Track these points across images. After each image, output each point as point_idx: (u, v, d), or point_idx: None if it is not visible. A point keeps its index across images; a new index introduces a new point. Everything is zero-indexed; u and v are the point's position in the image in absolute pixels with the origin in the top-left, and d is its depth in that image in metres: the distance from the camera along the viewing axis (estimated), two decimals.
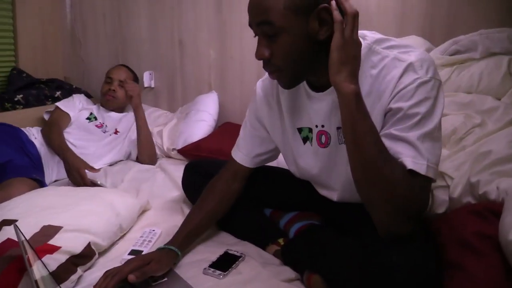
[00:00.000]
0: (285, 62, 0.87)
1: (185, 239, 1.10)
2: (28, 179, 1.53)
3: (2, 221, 1.08)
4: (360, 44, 0.82)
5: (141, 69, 2.62)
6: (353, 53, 0.80)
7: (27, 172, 1.59)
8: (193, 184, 1.37)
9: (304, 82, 1.00)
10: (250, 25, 0.89)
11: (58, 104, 2.11)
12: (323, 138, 1.00)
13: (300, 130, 1.05)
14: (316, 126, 1.01)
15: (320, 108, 0.97)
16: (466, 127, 1.38)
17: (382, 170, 0.78)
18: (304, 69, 0.90)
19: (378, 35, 0.93)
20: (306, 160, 1.06)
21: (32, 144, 1.86)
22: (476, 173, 1.10)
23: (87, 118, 2.12)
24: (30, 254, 0.84)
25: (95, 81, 2.75)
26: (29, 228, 1.03)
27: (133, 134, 2.06)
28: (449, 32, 1.88)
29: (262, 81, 1.15)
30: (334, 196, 1.08)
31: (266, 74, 1.11)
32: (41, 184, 1.61)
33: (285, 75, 0.90)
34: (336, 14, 0.80)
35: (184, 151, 1.97)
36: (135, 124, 2.04)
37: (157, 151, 2.09)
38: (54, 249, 0.99)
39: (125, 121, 2.17)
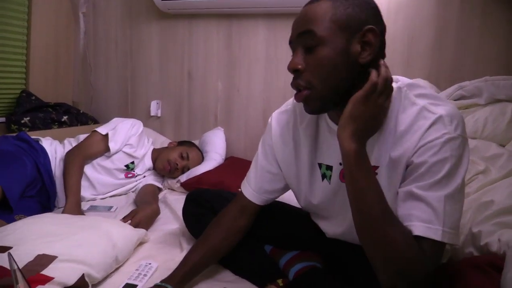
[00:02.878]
0: (318, 77, 0.82)
1: (184, 277, 1.06)
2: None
3: None
4: (381, 112, 0.81)
5: (149, 97, 2.67)
6: (368, 114, 0.78)
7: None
8: (194, 214, 1.33)
9: (327, 117, 0.96)
10: (291, 40, 0.87)
11: (100, 130, 1.90)
12: None
13: (320, 165, 1.01)
14: (340, 164, 0.95)
15: None
16: (470, 173, 1.37)
17: (385, 233, 0.75)
18: (335, 92, 0.83)
19: (410, 81, 0.90)
20: (320, 197, 1.03)
21: (46, 166, 1.74)
22: (478, 223, 1.09)
23: (125, 166, 1.96)
24: (22, 284, 0.82)
25: (102, 107, 2.80)
26: (23, 256, 1.01)
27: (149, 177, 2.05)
28: (455, 77, 1.91)
29: (278, 114, 1.09)
30: (338, 231, 1.05)
31: (283, 106, 1.10)
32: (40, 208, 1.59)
33: (315, 94, 0.83)
34: (374, 75, 0.79)
35: (187, 184, 1.96)
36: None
37: (160, 185, 2.07)
38: (47, 279, 0.96)
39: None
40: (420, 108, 0.82)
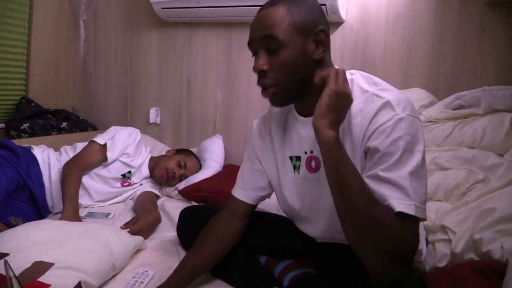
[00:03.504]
0: (283, 76, 0.90)
1: (177, 285, 1.06)
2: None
3: None
4: (351, 98, 0.84)
5: (148, 105, 2.67)
6: (342, 103, 0.82)
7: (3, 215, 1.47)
8: (187, 231, 1.34)
9: (293, 108, 1.03)
10: (251, 42, 0.94)
11: (98, 140, 1.89)
12: (313, 163, 1.01)
13: (291, 158, 1.06)
14: (305, 153, 1.02)
15: (309, 134, 0.98)
16: (469, 182, 1.38)
17: (370, 215, 0.76)
18: (298, 86, 0.92)
19: (365, 74, 0.97)
20: (293, 189, 1.07)
21: (30, 173, 1.73)
22: (480, 230, 1.09)
23: (122, 175, 1.95)
24: None
25: (102, 114, 2.80)
26: (20, 263, 1.01)
27: (146, 185, 2.05)
28: (453, 86, 1.92)
29: (258, 119, 1.19)
30: (318, 232, 1.07)
31: (262, 114, 1.18)
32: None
33: (281, 90, 0.92)
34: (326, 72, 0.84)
35: (185, 192, 1.95)
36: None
37: (158, 192, 2.07)
38: (43, 286, 0.96)
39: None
40: (369, 94, 0.89)
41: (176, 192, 2.00)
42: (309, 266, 1.20)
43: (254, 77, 0.94)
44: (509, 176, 1.30)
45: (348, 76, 0.93)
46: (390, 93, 0.87)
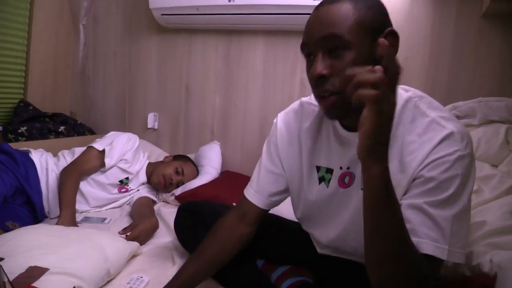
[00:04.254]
0: (346, 82, 0.73)
1: None
2: None
3: None
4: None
5: (146, 110, 2.68)
6: (389, 133, 0.66)
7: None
8: (185, 227, 1.31)
9: (336, 121, 0.94)
10: (307, 43, 0.82)
11: (96, 146, 1.88)
12: (347, 179, 0.94)
13: (318, 168, 0.99)
14: (341, 168, 0.94)
15: (349, 150, 0.91)
16: None
17: (401, 258, 0.70)
18: None
19: (421, 92, 0.87)
20: (315, 199, 1.00)
21: (28, 178, 1.73)
22: (470, 243, 1.09)
23: (119, 181, 1.96)
24: None
25: (100, 118, 2.81)
26: (15, 268, 1.01)
27: (143, 191, 2.05)
28: (449, 97, 1.93)
29: (284, 114, 1.08)
30: (325, 238, 1.02)
31: (288, 108, 1.08)
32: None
33: (342, 99, 0.77)
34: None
35: (182, 197, 1.96)
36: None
37: (155, 197, 2.06)
38: None
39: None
40: (430, 120, 0.80)
41: (173, 197, 2.00)
42: (307, 274, 1.20)
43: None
44: (502, 187, 1.31)
45: (403, 93, 0.85)
46: (454, 124, 0.79)
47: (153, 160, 2.24)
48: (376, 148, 0.64)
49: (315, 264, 1.18)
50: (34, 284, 0.98)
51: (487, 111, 1.60)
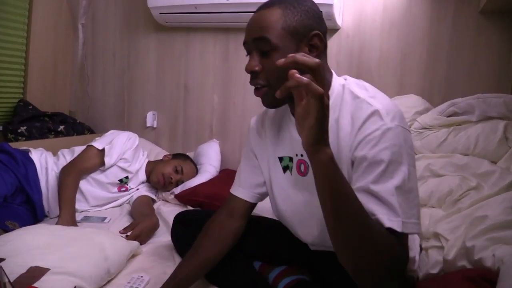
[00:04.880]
0: (274, 78, 0.89)
1: None
2: None
3: None
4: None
5: (145, 109, 2.68)
6: (328, 117, 0.71)
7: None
8: (181, 237, 1.34)
9: (289, 109, 1.02)
10: (246, 42, 0.94)
11: (96, 144, 1.88)
12: (302, 167, 1.01)
13: (281, 159, 1.06)
14: (296, 155, 1.01)
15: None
16: (462, 189, 1.39)
17: (366, 235, 0.74)
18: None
19: (358, 80, 0.97)
20: (282, 190, 1.06)
21: (28, 177, 1.73)
22: (472, 238, 1.09)
23: (119, 180, 1.96)
24: None
25: (99, 117, 2.81)
26: (16, 268, 1.01)
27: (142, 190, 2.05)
28: (447, 93, 1.94)
29: (256, 116, 1.18)
30: (309, 237, 1.06)
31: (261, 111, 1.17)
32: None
33: (272, 91, 0.90)
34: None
35: (181, 196, 1.96)
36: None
37: (154, 196, 2.07)
38: None
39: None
40: (360, 100, 0.88)
41: (172, 196, 2.00)
42: (303, 273, 1.21)
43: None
44: (502, 184, 1.31)
45: (341, 81, 0.95)
46: (380, 101, 0.86)
47: (152, 159, 2.24)
48: (323, 135, 0.70)
49: (310, 261, 1.19)
50: (35, 285, 0.99)
51: (485, 108, 1.60)
